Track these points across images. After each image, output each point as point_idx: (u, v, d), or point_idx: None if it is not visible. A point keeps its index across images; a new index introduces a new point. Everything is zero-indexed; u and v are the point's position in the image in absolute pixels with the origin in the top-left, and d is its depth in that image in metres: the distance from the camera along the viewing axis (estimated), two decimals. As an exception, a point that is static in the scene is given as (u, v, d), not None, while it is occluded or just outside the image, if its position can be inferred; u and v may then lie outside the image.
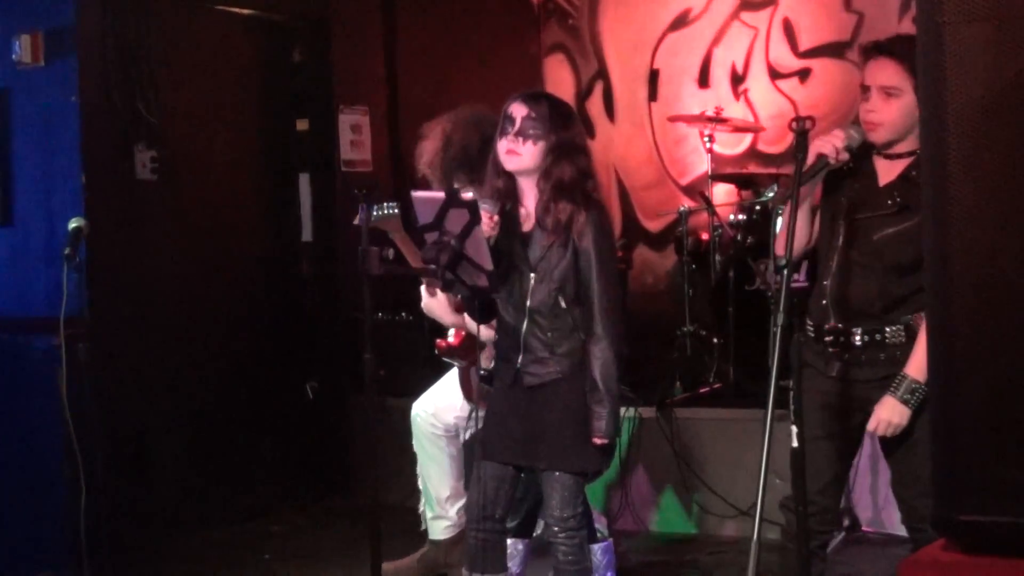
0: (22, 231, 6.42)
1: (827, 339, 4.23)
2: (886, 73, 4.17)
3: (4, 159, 6.45)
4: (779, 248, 4.35)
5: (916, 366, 4.07)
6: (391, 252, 5.39)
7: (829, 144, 4.05)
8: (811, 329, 4.28)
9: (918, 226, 4.09)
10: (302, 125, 7.90)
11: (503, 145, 4.46)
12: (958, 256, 3.01)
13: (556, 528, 4.49)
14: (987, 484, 3.02)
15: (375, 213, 5.50)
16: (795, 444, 3.82)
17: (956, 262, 3.02)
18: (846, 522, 6.21)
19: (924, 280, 3.28)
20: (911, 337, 4.14)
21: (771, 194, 7.43)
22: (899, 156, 4.21)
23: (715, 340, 7.32)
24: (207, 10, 7.29)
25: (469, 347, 5.36)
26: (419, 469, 5.97)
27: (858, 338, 4.20)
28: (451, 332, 5.47)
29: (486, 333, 4.76)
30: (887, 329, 4.17)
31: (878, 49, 4.24)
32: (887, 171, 4.23)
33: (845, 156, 4.12)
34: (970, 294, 3.01)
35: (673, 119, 8.45)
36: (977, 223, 2.99)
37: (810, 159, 4.05)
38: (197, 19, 7.16)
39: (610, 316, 4.43)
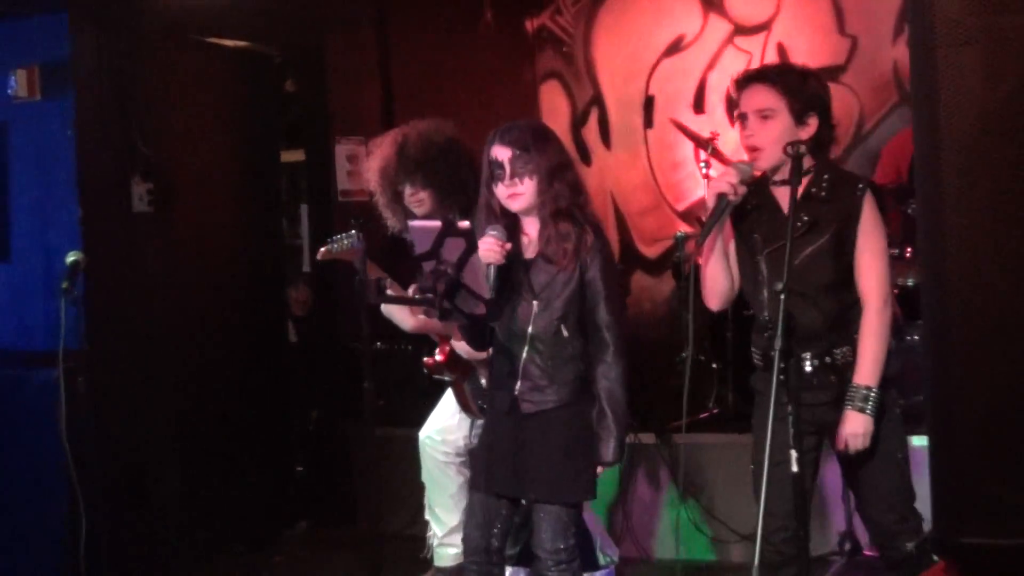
0: (20, 266, 6.41)
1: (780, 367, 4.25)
2: (759, 97, 4.31)
3: (1, 193, 6.46)
4: (710, 302, 4.46)
5: (864, 373, 4.15)
6: (389, 282, 5.38)
7: (724, 183, 4.18)
8: (759, 359, 4.32)
9: (830, 241, 4.19)
10: (291, 156, 7.92)
11: (502, 192, 4.44)
12: (954, 278, 3.03)
13: (548, 561, 4.47)
14: (988, 506, 3.02)
15: (333, 246, 5.49)
16: (795, 468, 3.83)
17: (952, 284, 3.04)
18: (847, 546, 6.19)
19: (921, 303, 3.29)
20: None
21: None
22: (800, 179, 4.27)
23: (714, 365, 7.31)
24: (202, 44, 7.31)
25: (456, 361, 5.36)
26: (426, 498, 5.95)
27: (808, 363, 4.25)
28: (436, 349, 5.46)
29: (466, 349, 4.77)
30: (836, 351, 4.23)
31: (749, 77, 4.40)
32: (787, 197, 4.27)
33: (743, 190, 4.21)
34: (967, 316, 3.02)
35: (674, 123, 8.43)
36: (972, 244, 3.01)
37: (709, 203, 4.17)
38: (192, 52, 7.18)
39: (620, 343, 4.44)
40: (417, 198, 5.38)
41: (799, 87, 4.28)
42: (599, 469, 4.44)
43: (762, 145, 4.28)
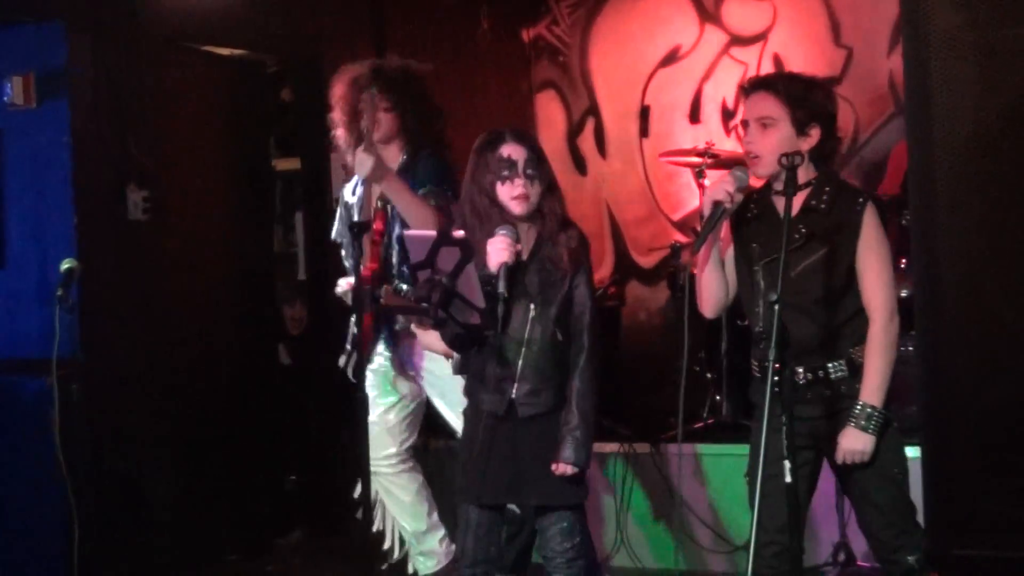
0: (14, 272, 6.41)
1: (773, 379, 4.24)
2: (762, 105, 4.27)
3: (-4, 200, 6.46)
4: (704, 309, 4.44)
5: (868, 392, 4.12)
6: (384, 291, 5.37)
7: (721, 191, 4.15)
8: (757, 370, 4.31)
9: (827, 254, 4.17)
10: (287, 165, 7.91)
11: (509, 190, 4.43)
12: (947, 291, 3.03)
13: (557, 560, 4.50)
14: (980, 519, 3.02)
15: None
16: (788, 479, 3.83)
17: (945, 297, 3.04)
18: (841, 556, 6.18)
19: (915, 314, 3.29)
20: (853, 371, 4.18)
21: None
22: (796, 190, 4.24)
23: (708, 375, 7.31)
24: (199, 52, 7.31)
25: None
26: (380, 517, 5.90)
27: (801, 377, 4.23)
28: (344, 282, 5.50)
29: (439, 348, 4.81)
30: (829, 365, 4.21)
31: (755, 84, 4.37)
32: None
33: (739, 197, 4.20)
34: (960, 327, 3.02)
35: (664, 155, 8.45)
36: (966, 255, 3.01)
37: (705, 210, 4.15)
38: (189, 60, 7.18)
39: (594, 350, 4.49)
40: (380, 114, 5.43)
41: (802, 97, 4.24)
42: (561, 467, 4.41)
43: (761, 153, 4.25)
